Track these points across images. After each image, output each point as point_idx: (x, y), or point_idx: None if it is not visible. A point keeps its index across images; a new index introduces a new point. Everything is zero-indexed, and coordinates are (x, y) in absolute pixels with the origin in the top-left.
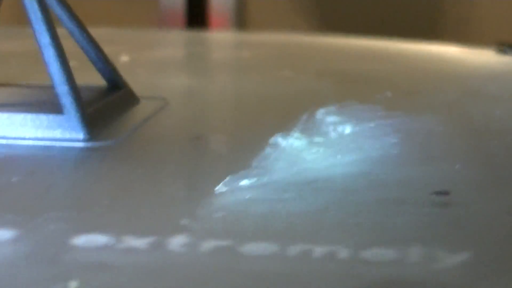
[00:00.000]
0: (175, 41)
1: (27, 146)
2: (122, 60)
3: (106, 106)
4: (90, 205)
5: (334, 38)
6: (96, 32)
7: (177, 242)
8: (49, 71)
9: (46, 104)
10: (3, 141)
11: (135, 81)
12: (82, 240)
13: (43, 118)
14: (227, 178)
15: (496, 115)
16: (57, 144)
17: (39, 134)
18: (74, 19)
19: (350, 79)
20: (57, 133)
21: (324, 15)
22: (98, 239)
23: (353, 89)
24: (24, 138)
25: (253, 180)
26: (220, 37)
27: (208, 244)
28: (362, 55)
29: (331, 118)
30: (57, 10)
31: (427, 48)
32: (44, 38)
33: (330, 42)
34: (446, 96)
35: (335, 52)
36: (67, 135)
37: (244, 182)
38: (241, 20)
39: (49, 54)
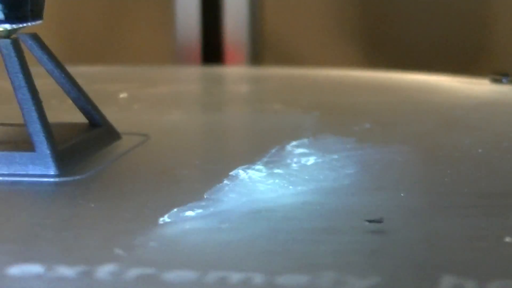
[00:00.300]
0: (181, 77)
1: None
2: (120, 97)
3: (82, 142)
4: (33, 238)
5: (339, 71)
6: (107, 70)
7: (105, 270)
8: (22, 110)
9: (20, 142)
10: None
11: (124, 117)
12: (16, 270)
13: (15, 155)
14: (174, 210)
15: (464, 144)
16: (28, 179)
17: (12, 170)
18: (53, 59)
19: (336, 112)
20: (29, 169)
21: (339, 49)
22: (32, 269)
23: (335, 121)
24: None
25: (199, 211)
26: (229, 72)
27: (134, 272)
28: (360, 87)
29: (299, 150)
30: (36, 52)
31: (424, 78)
32: (18, 80)
33: (334, 75)
34: (422, 126)
35: (335, 85)
36: (38, 171)
37: (189, 213)
38: (257, 55)
39: (22, 95)
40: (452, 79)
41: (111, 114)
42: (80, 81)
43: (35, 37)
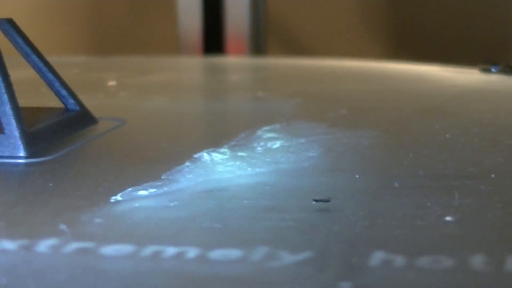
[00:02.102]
0: (176, 67)
1: None
2: (109, 84)
3: (54, 126)
4: None
5: (338, 61)
6: (106, 60)
7: (45, 244)
8: None
9: None
10: None
11: (106, 103)
12: None
13: None
14: (128, 189)
15: (434, 129)
16: None
17: None
18: (29, 45)
19: (318, 99)
20: None
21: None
22: None
23: (314, 108)
24: None
25: (152, 190)
26: (226, 62)
27: (73, 246)
28: (349, 76)
29: (268, 135)
30: (12, 37)
31: (415, 68)
32: None
33: (330, 65)
34: (398, 113)
35: (326, 74)
36: (7, 153)
37: (142, 192)
38: (260, 45)
39: None
40: (442, 69)
41: (95, 100)
42: (76, 70)
43: (11, 22)
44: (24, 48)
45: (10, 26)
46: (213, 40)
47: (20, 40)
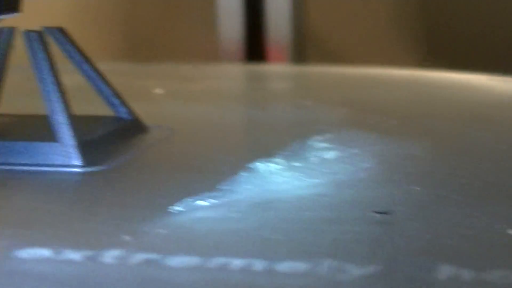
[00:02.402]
0: (220, 74)
1: (22, 171)
2: (155, 92)
3: (107, 134)
4: (45, 224)
5: (381, 69)
6: (150, 67)
7: (110, 254)
8: (45, 102)
9: (44, 132)
10: (1, 167)
11: (155, 112)
12: (25, 253)
13: (39, 145)
14: (186, 199)
15: (486, 140)
16: (50, 169)
17: (35, 160)
18: (79, 53)
19: (366, 108)
20: (52, 160)
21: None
22: (40, 252)
23: (363, 117)
24: (21, 164)
25: (210, 200)
26: (269, 70)
27: (138, 257)
28: (394, 84)
29: (321, 145)
30: (63, 46)
31: (459, 77)
32: (42, 72)
33: (374, 73)
34: (448, 122)
35: (372, 82)
36: (61, 162)
37: (201, 203)
38: (301, 53)
39: (46, 86)
40: (487, 77)
41: (143, 109)
42: (122, 78)
43: (62, 31)
44: (75, 57)
45: (62, 35)
46: (254, 47)
47: (71, 49)
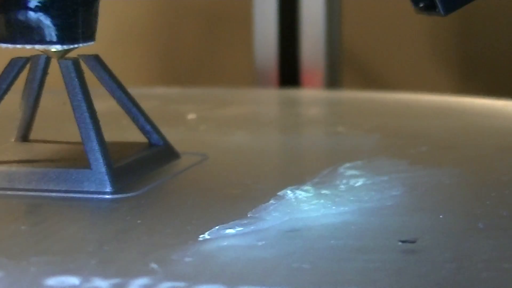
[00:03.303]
0: (253, 99)
1: (55, 197)
2: (189, 117)
3: (139, 161)
4: (75, 251)
5: (414, 95)
6: (184, 91)
7: (138, 283)
8: (79, 129)
9: (77, 159)
10: (34, 193)
11: (188, 138)
12: (53, 281)
13: (72, 172)
14: (216, 227)
15: None
16: (82, 196)
17: (68, 187)
18: (114, 80)
19: (396, 135)
20: (84, 186)
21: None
22: (69, 280)
23: (393, 144)
24: (54, 191)
25: (239, 229)
26: (303, 95)
27: (165, 285)
28: (426, 111)
29: (350, 172)
30: (98, 73)
31: (491, 103)
32: (77, 99)
33: (405, 99)
34: (478, 150)
35: (403, 109)
36: (93, 188)
37: (229, 231)
38: (336, 78)
39: (80, 114)
40: None
41: (176, 134)
42: (155, 103)
43: (97, 58)
44: (110, 84)
45: (97, 62)
46: (289, 72)
47: (105, 76)
